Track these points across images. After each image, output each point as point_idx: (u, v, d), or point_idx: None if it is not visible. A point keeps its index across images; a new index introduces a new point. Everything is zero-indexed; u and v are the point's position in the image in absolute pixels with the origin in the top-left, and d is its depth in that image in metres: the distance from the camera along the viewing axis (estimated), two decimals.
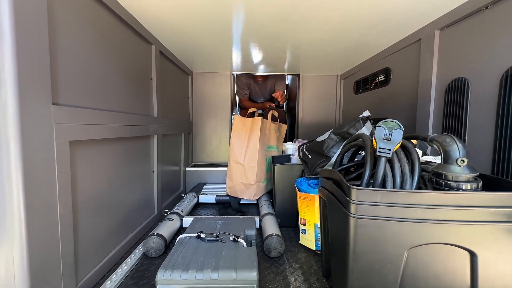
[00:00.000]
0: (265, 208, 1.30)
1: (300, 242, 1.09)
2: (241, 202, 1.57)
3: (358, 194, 0.53)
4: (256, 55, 1.59)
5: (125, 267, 0.87)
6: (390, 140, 0.58)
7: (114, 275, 0.82)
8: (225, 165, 2.00)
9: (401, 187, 0.61)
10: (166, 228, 1.04)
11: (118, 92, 0.95)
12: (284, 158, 1.51)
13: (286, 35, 1.23)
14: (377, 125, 0.60)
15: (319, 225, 1.03)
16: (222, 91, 2.05)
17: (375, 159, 0.65)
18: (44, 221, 0.59)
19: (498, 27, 0.78)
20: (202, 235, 0.90)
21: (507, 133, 0.74)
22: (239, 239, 0.89)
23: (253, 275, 0.71)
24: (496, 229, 0.50)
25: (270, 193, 1.59)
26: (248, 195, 1.47)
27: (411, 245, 0.52)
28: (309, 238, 1.04)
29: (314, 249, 1.02)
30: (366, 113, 1.03)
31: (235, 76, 2.28)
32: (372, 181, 0.65)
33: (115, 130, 0.87)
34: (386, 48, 1.34)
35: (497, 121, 0.77)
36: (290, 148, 1.58)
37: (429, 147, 0.95)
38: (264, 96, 2.51)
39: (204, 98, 2.05)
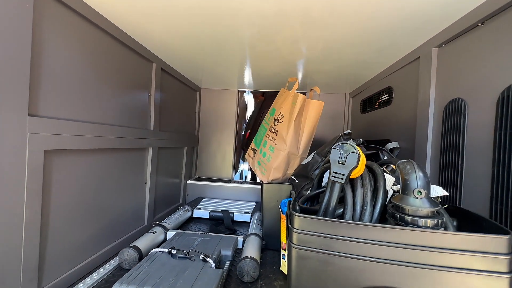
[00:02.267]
0: (253, 227, 1.25)
1: (280, 268, 1.02)
2: (234, 219, 1.53)
3: (300, 222, 0.48)
4: (256, 73, 1.60)
5: (96, 277, 0.88)
6: (344, 164, 0.53)
7: (81, 284, 0.83)
8: (228, 181, 2.00)
9: (360, 217, 0.54)
10: (144, 240, 1.04)
11: (109, 106, 1.01)
12: None
13: (285, 54, 1.23)
14: (333, 147, 0.55)
15: None
16: (228, 107, 2.10)
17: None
18: (5, 224, 0.62)
19: (494, 44, 0.70)
20: (173, 251, 0.89)
21: (505, 158, 0.64)
22: (208, 259, 0.86)
23: None
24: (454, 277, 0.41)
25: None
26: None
27: (357, 285, 0.45)
28: None
29: None
30: (347, 131, 0.98)
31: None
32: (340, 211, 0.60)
33: (99, 141, 0.92)
34: (388, 67, 1.28)
35: (495, 145, 0.67)
36: None
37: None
38: None
39: (210, 114, 2.11)
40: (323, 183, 0.75)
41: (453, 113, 0.83)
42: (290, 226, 0.50)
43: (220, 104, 2.10)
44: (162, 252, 0.90)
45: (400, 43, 1.03)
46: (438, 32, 0.92)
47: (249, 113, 2.22)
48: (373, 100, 1.51)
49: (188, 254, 0.88)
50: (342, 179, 0.52)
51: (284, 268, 1.00)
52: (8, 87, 0.60)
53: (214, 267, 0.84)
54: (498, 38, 0.70)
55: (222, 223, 1.51)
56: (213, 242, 1.04)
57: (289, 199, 1.11)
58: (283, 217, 1.03)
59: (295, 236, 0.49)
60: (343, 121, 2.00)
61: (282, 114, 1.23)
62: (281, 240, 1.03)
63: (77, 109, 0.86)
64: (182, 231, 1.19)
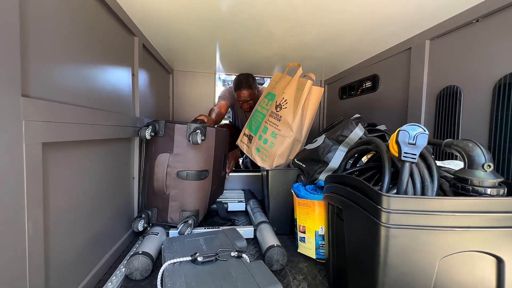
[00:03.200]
0: (258, 216, 1.23)
1: (298, 250, 1.04)
2: (228, 210, 1.47)
3: (390, 202, 0.50)
4: (242, 56, 1.52)
5: None
6: (415, 144, 0.56)
7: None
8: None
9: (422, 193, 0.59)
10: (151, 244, 0.91)
11: (99, 87, 0.81)
12: None
13: (278, 37, 1.19)
14: (400, 129, 0.58)
15: (320, 233, 0.99)
16: (204, 91, 1.95)
17: (393, 165, 0.63)
18: (8, 248, 0.45)
19: (490, 38, 0.83)
20: (199, 258, 0.76)
21: (501, 141, 0.78)
22: (243, 254, 0.81)
23: None
24: None
25: (256, 198, 1.52)
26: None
27: (443, 254, 0.50)
28: (309, 246, 1.00)
29: (315, 257, 0.98)
30: (357, 115, 1.04)
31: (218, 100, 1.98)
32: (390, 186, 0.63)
33: (96, 130, 0.74)
34: (375, 55, 1.38)
35: (491, 128, 0.81)
36: None
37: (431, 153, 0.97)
38: None
39: (185, 99, 1.92)
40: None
41: (448, 98, 0.96)
42: (378, 206, 0.50)
43: (195, 88, 1.93)
44: (181, 262, 0.77)
45: (393, 34, 1.13)
46: (431, 26, 1.03)
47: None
48: (355, 87, 1.62)
49: (218, 255, 0.80)
50: (415, 158, 0.55)
51: (303, 249, 1.02)
52: None
53: (249, 261, 0.80)
54: (493, 33, 0.82)
55: (216, 215, 1.44)
56: (218, 237, 0.96)
57: (300, 183, 1.13)
58: (299, 201, 1.04)
59: (384, 216, 0.50)
60: (319, 107, 2.11)
61: (286, 100, 1.22)
62: (298, 223, 1.05)
63: (70, 89, 0.66)
64: (171, 236, 1.05)
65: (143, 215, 1.05)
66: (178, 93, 1.90)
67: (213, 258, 0.79)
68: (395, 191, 0.59)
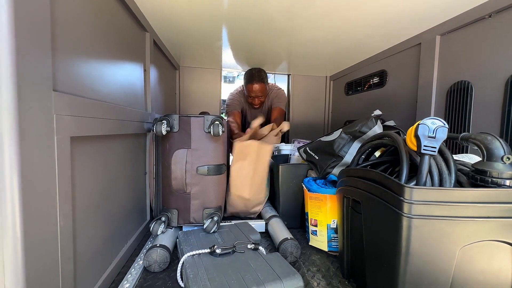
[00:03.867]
0: (268, 210, 1.25)
1: (310, 243, 1.06)
2: None
3: (413, 193, 0.51)
4: (249, 51, 1.53)
5: (127, 285, 0.75)
6: (434, 138, 0.57)
7: None
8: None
9: (440, 184, 0.61)
10: (167, 238, 0.93)
11: (116, 82, 0.82)
12: (283, 158, 1.48)
13: (288, 33, 1.20)
14: (420, 122, 0.59)
15: (332, 226, 1.01)
16: (210, 88, 1.95)
17: (410, 157, 0.65)
18: (43, 238, 0.46)
19: (503, 34, 0.84)
20: (218, 250, 0.79)
21: None
22: (259, 247, 0.82)
23: (300, 280, 0.66)
24: None
25: None
26: (253, 216, 1.27)
27: (463, 243, 0.52)
28: (321, 239, 1.01)
29: (327, 250, 1.00)
30: (378, 112, 1.04)
31: (226, 104, 1.96)
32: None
33: (117, 125, 0.75)
34: (384, 51, 1.39)
35: (502, 124, 0.83)
36: (286, 148, 1.55)
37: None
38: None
39: (191, 95, 1.93)
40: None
41: (459, 94, 0.98)
42: (401, 198, 0.52)
43: (202, 84, 1.93)
44: (199, 254, 0.79)
45: (403, 29, 1.13)
46: (442, 21, 1.04)
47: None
48: (361, 82, 1.63)
49: (236, 248, 0.81)
50: (434, 151, 0.57)
51: (315, 242, 1.04)
52: (28, 52, 0.42)
53: (266, 253, 0.81)
54: (506, 29, 0.83)
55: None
56: (232, 231, 0.98)
57: (310, 178, 1.15)
58: (310, 195, 1.05)
59: (406, 207, 0.51)
60: (324, 103, 2.12)
61: None
62: (309, 217, 1.06)
63: (93, 85, 0.67)
64: (185, 230, 1.05)
65: (163, 218, 0.98)
66: (184, 89, 1.91)
67: (231, 250, 0.81)
68: (414, 183, 0.60)
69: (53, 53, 0.50)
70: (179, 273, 0.76)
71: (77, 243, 0.60)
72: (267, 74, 1.81)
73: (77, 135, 0.56)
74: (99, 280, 0.70)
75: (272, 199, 1.45)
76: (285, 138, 2.15)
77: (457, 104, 0.98)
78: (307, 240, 1.08)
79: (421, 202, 0.51)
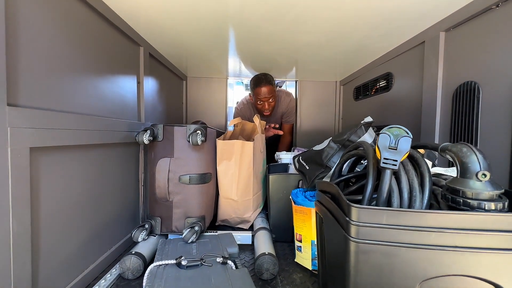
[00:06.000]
0: (258, 221, 1.20)
1: (295, 260, 0.99)
2: None
3: (360, 214, 0.45)
4: (253, 59, 1.52)
5: None
6: (396, 149, 0.50)
7: None
8: None
9: (410, 204, 0.52)
10: (147, 245, 0.94)
11: (100, 94, 0.87)
12: (281, 167, 1.42)
13: (281, 37, 1.17)
14: (381, 132, 0.52)
15: (316, 242, 0.93)
16: (217, 96, 1.99)
17: (379, 171, 0.57)
18: None
19: (510, 27, 0.71)
20: (183, 262, 0.77)
21: None
22: (228, 261, 0.79)
23: None
24: None
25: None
26: (245, 226, 1.25)
27: (424, 277, 0.43)
28: (305, 256, 0.94)
29: (310, 268, 0.92)
30: (368, 119, 0.95)
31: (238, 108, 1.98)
32: (375, 196, 0.57)
33: (96, 135, 0.79)
34: (388, 52, 1.28)
35: None
36: (286, 157, 1.49)
37: (437, 158, 0.86)
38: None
39: (198, 104, 1.98)
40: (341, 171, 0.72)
41: (465, 96, 0.85)
42: (347, 218, 0.45)
43: (208, 93, 1.98)
44: (165, 265, 0.78)
45: (403, 27, 1.03)
46: (446, 16, 0.92)
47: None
48: (368, 86, 1.52)
49: (203, 260, 0.79)
50: (395, 165, 0.49)
51: (300, 259, 0.97)
52: None
53: (234, 268, 0.78)
54: None
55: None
56: (212, 242, 0.95)
57: (299, 189, 1.08)
58: (296, 208, 0.99)
59: (354, 229, 0.45)
60: (334, 109, 2.01)
61: None
62: (295, 231, 1.00)
63: (64, 98, 0.72)
64: (165, 238, 1.05)
65: (146, 225, 1.00)
66: (191, 98, 1.97)
67: (198, 263, 0.79)
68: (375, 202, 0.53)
69: (12, 70, 0.55)
70: (144, 283, 0.76)
71: (41, 249, 0.63)
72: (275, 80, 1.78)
73: (38, 145, 0.60)
74: (70, 284, 0.73)
75: (266, 210, 1.40)
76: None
77: (463, 108, 0.85)
78: (294, 256, 1.01)
79: (371, 224, 0.44)
